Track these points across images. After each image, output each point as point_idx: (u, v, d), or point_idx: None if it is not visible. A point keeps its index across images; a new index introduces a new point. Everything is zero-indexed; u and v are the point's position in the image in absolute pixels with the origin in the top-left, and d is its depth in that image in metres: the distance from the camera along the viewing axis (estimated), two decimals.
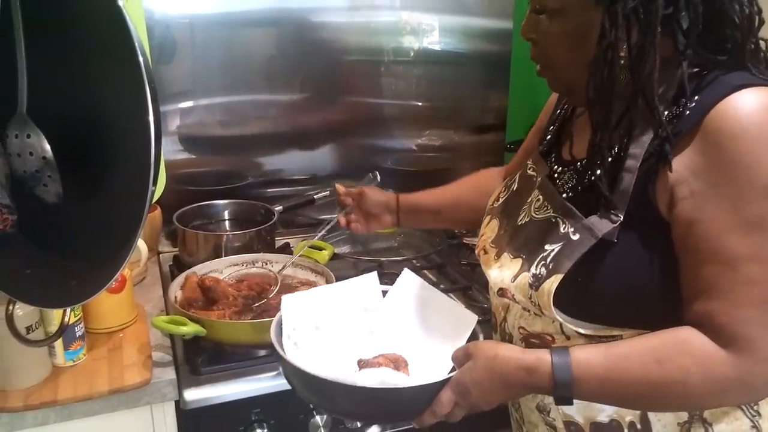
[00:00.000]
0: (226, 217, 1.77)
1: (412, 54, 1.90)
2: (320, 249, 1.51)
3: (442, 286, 1.60)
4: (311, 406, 1.06)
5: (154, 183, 0.76)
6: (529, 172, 1.03)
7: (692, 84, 0.80)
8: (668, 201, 0.79)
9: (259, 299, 1.32)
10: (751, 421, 0.90)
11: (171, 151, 1.73)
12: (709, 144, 0.77)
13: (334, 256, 1.62)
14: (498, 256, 0.98)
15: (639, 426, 0.89)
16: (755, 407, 0.89)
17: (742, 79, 0.78)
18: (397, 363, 0.99)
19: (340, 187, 1.37)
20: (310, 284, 1.39)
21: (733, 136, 0.75)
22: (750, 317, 0.75)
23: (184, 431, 1.22)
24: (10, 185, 0.77)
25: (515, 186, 1.05)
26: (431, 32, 1.89)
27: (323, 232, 1.41)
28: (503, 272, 0.95)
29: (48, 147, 0.78)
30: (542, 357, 0.82)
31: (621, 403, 0.86)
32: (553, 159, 1.00)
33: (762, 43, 0.84)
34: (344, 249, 1.66)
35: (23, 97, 0.77)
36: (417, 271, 1.65)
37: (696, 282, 0.78)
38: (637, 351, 0.79)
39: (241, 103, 1.78)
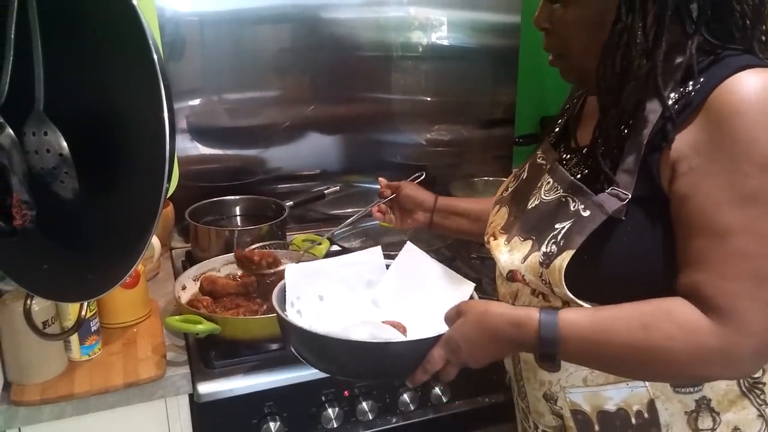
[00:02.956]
0: (238, 212, 1.79)
1: (420, 49, 1.90)
2: (317, 243, 1.54)
3: None
4: (308, 365, 1.07)
5: (168, 180, 0.77)
6: (538, 161, 1.04)
7: (700, 66, 0.81)
8: (669, 177, 0.81)
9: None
10: (758, 410, 0.90)
11: (182, 147, 1.75)
12: (711, 122, 0.78)
13: (344, 251, 1.63)
14: (508, 240, 0.99)
15: (646, 414, 0.90)
16: (762, 396, 0.90)
17: (746, 61, 0.79)
18: (396, 329, 1.00)
19: (382, 180, 1.38)
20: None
21: (734, 113, 0.76)
22: (738, 290, 0.76)
23: (198, 424, 1.23)
24: (28, 182, 0.78)
25: (525, 175, 1.06)
26: (439, 27, 1.90)
27: (354, 219, 1.43)
28: (513, 255, 0.96)
29: (64, 144, 0.78)
30: (531, 313, 0.83)
31: (605, 366, 0.87)
32: (563, 148, 1.01)
33: (765, 30, 0.85)
34: (354, 243, 1.67)
35: (40, 95, 0.77)
36: None
37: (687, 254, 0.79)
38: (625, 315, 0.80)
39: (251, 99, 1.79)
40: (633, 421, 0.91)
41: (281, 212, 1.66)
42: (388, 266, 1.13)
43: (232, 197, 1.78)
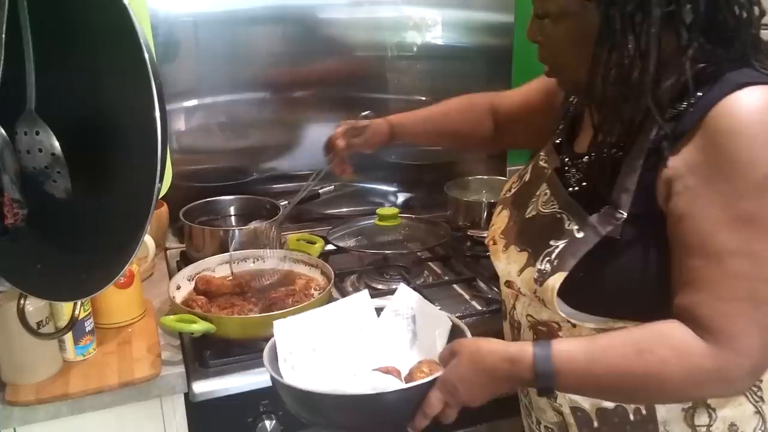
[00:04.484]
0: (232, 212, 1.79)
1: (415, 49, 1.90)
2: (312, 242, 1.55)
3: (446, 277, 1.62)
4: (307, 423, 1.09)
5: (161, 179, 0.77)
6: (541, 163, 1.04)
7: (698, 79, 0.80)
8: (665, 195, 0.80)
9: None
10: (755, 406, 0.91)
11: (177, 148, 1.75)
12: (708, 141, 0.77)
13: (339, 250, 1.64)
14: (506, 247, 1.00)
15: (644, 412, 0.90)
16: (759, 393, 0.90)
17: (745, 77, 0.78)
18: (391, 374, 0.97)
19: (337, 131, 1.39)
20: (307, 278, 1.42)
21: (731, 133, 0.76)
22: (733, 311, 0.75)
23: (193, 423, 1.23)
24: (20, 181, 0.79)
25: (527, 177, 1.06)
26: (434, 27, 1.90)
27: (313, 181, 1.46)
28: (510, 265, 0.96)
29: (56, 143, 0.79)
30: (524, 349, 0.82)
31: (603, 395, 0.87)
32: (565, 151, 1.00)
33: (762, 34, 0.84)
34: (349, 243, 1.67)
35: (31, 94, 0.77)
36: (422, 263, 1.67)
37: (682, 274, 0.79)
38: (619, 343, 0.80)
39: (245, 100, 1.79)
40: (631, 417, 0.91)
41: (276, 212, 1.66)
42: (377, 308, 1.11)
43: (227, 197, 1.78)
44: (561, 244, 0.88)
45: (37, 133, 0.78)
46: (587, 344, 0.82)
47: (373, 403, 0.87)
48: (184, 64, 1.71)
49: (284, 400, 0.94)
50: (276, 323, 1.03)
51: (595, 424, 0.94)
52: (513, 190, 1.08)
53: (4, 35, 0.75)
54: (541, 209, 0.96)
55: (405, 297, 1.10)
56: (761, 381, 0.92)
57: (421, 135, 1.40)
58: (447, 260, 1.70)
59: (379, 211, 1.70)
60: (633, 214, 0.83)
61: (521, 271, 0.93)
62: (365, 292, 1.13)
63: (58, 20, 0.78)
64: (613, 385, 0.81)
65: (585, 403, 0.94)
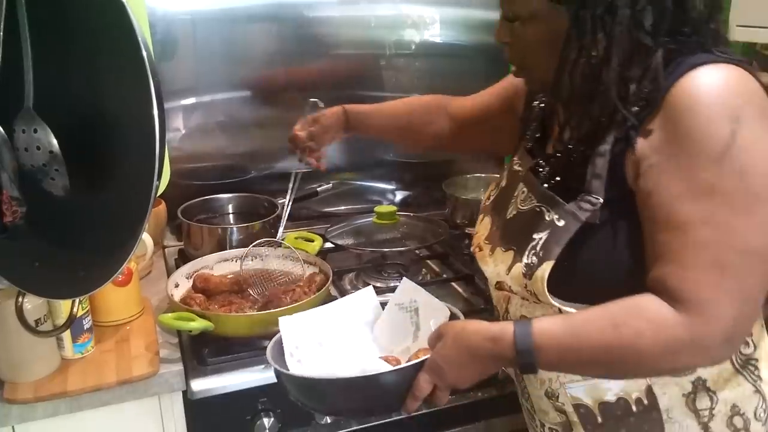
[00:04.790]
0: (230, 210, 1.79)
1: (413, 47, 1.91)
2: (310, 240, 1.55)
3: (444, 275, 1.62)
4: (312, 411, 1.10)
5: (159, 177, 0.77)
6: (515, 167, 1.06)
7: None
8: (634, 177, 0.83)
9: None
10: (753, 385, 0.93)
11: (175, 146, 1.75)
12: (668, 119, 0.80)
13: (338, 248, 1.64)
14: (492, 251, 1.01)
15: (645, 401, 0.92)
16: (756, 372, 0.92)
17: (701, 59, 0.81)
18: (389, 363, 0.99)
19: (295, 129, 1.41)
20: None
21: (689, 109, 0.78)
22: (701, 279, 0.77)
23: (191, 421, 1.24)
24: (18, 179, 0.79)
25: (504, 182, 1.09)
26: (432, 25, 1.90)
27: (294, 185, 1.48)
28: (498, 267, 0.98)
29: (54, 141, 0.79)
30: (506, 327, 0.84)
31: (583, 369, 0.88)
32: (537, 154, 1.02)
33: (722, 26, 0.87)
34: (348, 241, 1.67)
35: (29, 92, 0.78)
36: (420, 261, 1.68)
37: (653, 249, 0.81)
38: (595, 317, 0.82)
39: (243, 98, 1.79)
40: (634, 408, 0.92)
41: (274, 210, 1.67)
42: (382, 304, 1.13)
43: (225, 195, 1.78)
44: (544, 235, 0.89)
45: (35, 130, 0.78)
46: (566, 320, 0.84)
47: (363, 385, 0.90)
48: (182, 63, 1.71)
49: (286, 388, 0.96)
50: (281, 319, 1.05)
51: (599, 419, 0.94)
52: (492, 198, 1.11)
53: (2, 33, 0.75)
54: (520, 207, 0.98)
55: (408, 290, 1.11)
56: (757, 360, 0.93)
57: (375, 126, 1.41)
58: (445, 258, 1.70)
59: (377, 209, 1.70)
60: (608, 199, 0.85)
61: (509, 269, 0.95)
62: (370, 288, 1.15)
63: (56, 18, 0.78)
64: (592, 358, 0.82)
65: (587, 398, 0.94)
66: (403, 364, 0.92)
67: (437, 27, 1.91)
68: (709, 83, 0.79)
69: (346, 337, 1.08)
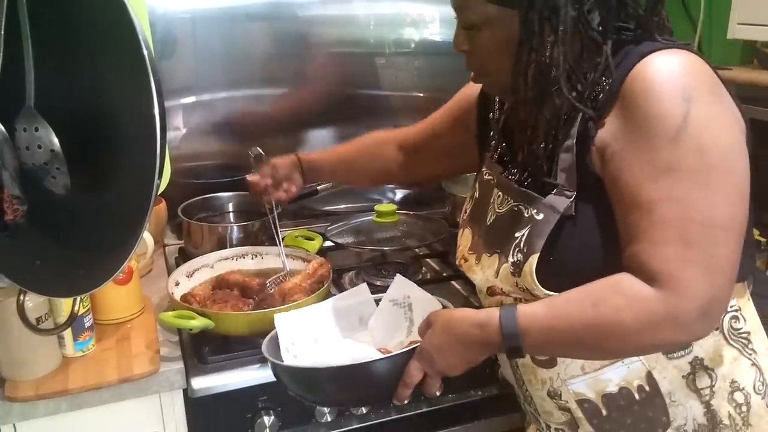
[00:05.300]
0: (231, 209, 1.79)
1: (413, 45, 1.91)
2: (310, 239, 1.55)
3: (444, 274, 1.62)
4: (307, 402, 1.12)
5: (160, 176, 0.77)
6: (485, 177, 1.08)
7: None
8: (600, 166, 0.86)
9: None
10: (749, 359, 0.95)
11: (175, 145, 1.75)
12: (625, 108, 0.84)
13: (338, 247, 1.64)
14: (478, 259, 1.03)
15: (647, 388, 0.93)
16: (750, 346, 0.95)
17: (649, 47, 0.85)
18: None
19: (252, 177, 1.45)
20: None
21: (643, 93, 0.82)
22: (669, 254, 0.78)
23: (192, 419, 1.24)
24: (19, 177, 0.79)
25: (477, 193, 1.10)
26: (431, 23, 1.90)
27: (272, 215, 1.47)
28: (486, 272, 0.99)
29: (55, 140, 0.79)
30: (492, 313, 0.86)
31: (569, 351, 0.89)
32: (506, 161, 1.05)
33: (665, 19, 0.91)
34: (348, 239, 1.67)
35: (30, 91, 0.78)
36: (420, 259, 1.68)
37: (624, 230, 0.84)
38: (575, 297, 0.83)
39: (243, 96, 1.79)
40: (636, 396, 0.93)
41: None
42: (376, 300, 1.14)
43: (225, 194, 1.78)
44: (525, 231, 0.91)
45: (37, 129, 0.79)
46: (548, 302, 0.86)
47: (354, 373, 0.91)
48: (182, 61, 1.71)
49: (282, 381, 0.98)
50: (277, 316, 1.07)
51: (604, 411, 0.95)
52: (468, 210, 1.12)
53: (3, 31, 0.75)
54: (498, 211, 1.00)
55: (401, 286, 1.12)
56: (749, 333, 0.95)
57: (326, 173, 1.47)
58: (445, 257, 1.70)
59: (377, 207, 1.70)
60: (580, 189, 0.88)
61: (497, 272, 0.96)
62: (364, 285, 1.17)
63: (57, 17, 0.78)
64: (576, 338, 0.83)
65: (590, 392, 0.95)
66: (394, 353, 0.93)
67: (437, 25, 1.91)
68: (661, 67, 0.82)
69: (341, 333, 1.10)
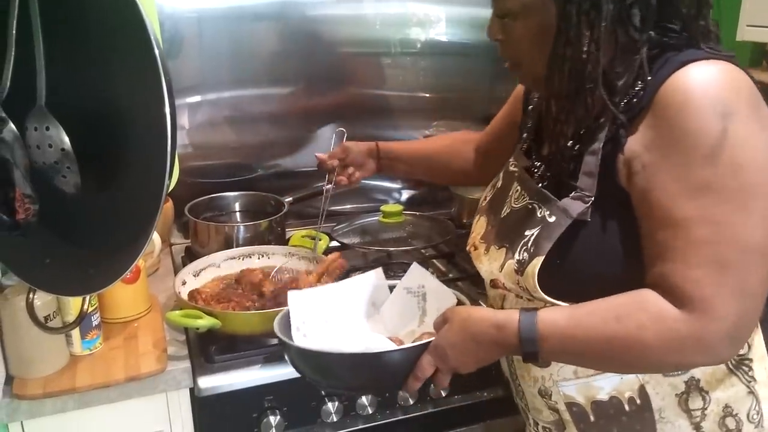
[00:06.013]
0: (237, 208, 1.79)
1: (419, 45, 1.90)
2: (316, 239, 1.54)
3: (450, 275, 1.62)
4: (312, 384, 1.11)
5: (170, 175, 0.78)
6: (511, 168, 1.07)
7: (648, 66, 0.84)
8: (626, 176, 0.84)
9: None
10: (747, 386, 0.93)
11: (182, 144, 1.75)
12: (659, 119, 0.81)
13: (344, 247, 1.64)
14: (487, 250, 1.02)
15: (638, 400, 0.92)
16: (750, 372, 0.93)
17: (690, 56, 0.82)
18: (394, 343, 1.01)
19: (320, 155, 1.44)
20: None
21: (679, 107, 0.79)
22: (701, 277, 0.77)
23: (198, 418, 1.24)
24: (30, 176, 0.79)
25: (500, 183, 1.09)
26: (438, 23, 1.90)
27: (325, 203, 1.47)
28: (492, 264, 0.99)
29: (66, 139, 0.79)
30: (511, 316, 0.85)
31: (585, 361, 0.89)
32: (534, 155, 1.03)
33: (711, 23, 0.88)
34: (354, 240, 1.67)
35: (42, 90, 0.78)
36: (426, 260, 1.68)
37: (652, 247, 0.82)
38: (600, 309, 0.82)
39: (249, 96, 1.79)
40: (626, 408, 0.92)
41: (280, 208, 1.67)
42: (390, 287, 1.14)
43: (232, 193, 1.79)
44: (535, 231, 0.90)
45: (47, 128, 0.79)
46: (570, 311, 0.84)
47: (368, 362, 0.91)
48: (189, 60, 1.71)
49: (292, 362, 0.98)
50: (290, 293, 1.06)
51: (592, 418, 0.95)
52: (488, 198, 1.11)
53: (15, 31, 0.75)
54: (514, 205, 0.99)
55: (417, 275, 1.12)
56: (751, 360, 0.93)
57: (402, 168, 1.45)
58: (451, 257, 1.70)
59: (384, 208, 1.71)
60: (599, 196, 0.86)
61: (502, 266, 0.95)
62: (379, 270, 1.15)
63: (68, 16, 0.79)
64: (595, 351, 0.82)
65: (579, 397, 0.95)
66: (408, 345, 0.93)
67: (443, 25, 1.91)
68: (700, 80, 0.79)
69: (352, 316, 1.10)
